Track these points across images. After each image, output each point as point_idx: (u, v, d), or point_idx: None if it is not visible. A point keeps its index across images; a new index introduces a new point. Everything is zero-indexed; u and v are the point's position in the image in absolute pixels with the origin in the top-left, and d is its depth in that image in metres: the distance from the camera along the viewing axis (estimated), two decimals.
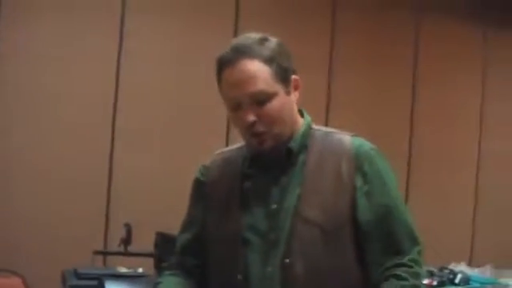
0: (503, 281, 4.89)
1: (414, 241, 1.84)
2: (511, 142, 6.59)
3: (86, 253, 3.88)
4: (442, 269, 4.61)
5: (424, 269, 2.02)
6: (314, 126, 1.91)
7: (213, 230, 1.89)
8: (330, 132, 1.91)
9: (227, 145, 5.07)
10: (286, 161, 1.84)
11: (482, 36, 6.45)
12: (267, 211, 1.81)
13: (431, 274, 4.43)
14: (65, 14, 4.71)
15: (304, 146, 1.85)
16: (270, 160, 1.85)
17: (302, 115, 1.91)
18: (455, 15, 6.28)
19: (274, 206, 1.80)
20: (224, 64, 1.78)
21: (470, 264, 5.71)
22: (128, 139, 4.80)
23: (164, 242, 3.48)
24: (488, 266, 5.37)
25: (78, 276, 3.40)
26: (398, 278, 1.76)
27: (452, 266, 4.99)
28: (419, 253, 1.82)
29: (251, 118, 1.75)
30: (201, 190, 1.96)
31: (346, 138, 1.87)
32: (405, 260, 1.78)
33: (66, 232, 4.52)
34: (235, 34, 5.05)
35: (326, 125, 5.02)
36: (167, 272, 1.98)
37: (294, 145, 1.84)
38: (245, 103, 1.76)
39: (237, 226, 1.82)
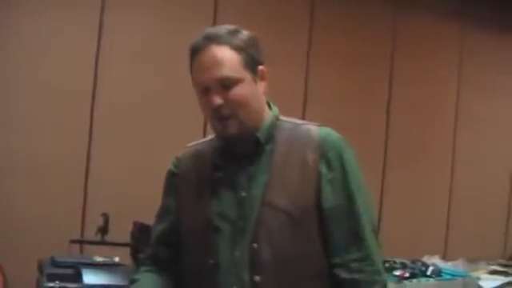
0: (474, 274, 4.98)
1: (374, 230, 1.89)
2: (486, 139, 6.68)
3: (63, 242, 3.90)
4: (414, 261, 4.69)
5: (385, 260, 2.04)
6: (282, 118, 1.97)
7: (185, 219, 1.94)
8: (298, 123, 1.96)
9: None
10: (253, 150, 1.88)
11: (459, 32, 6.51)
12: (236, 199, 1.86)
13: (404, 266, 4.51)
14: (43, 8, 4.68)
15: (271, 137, 1.90)
16: (238, 150, 1.90)
17: (269, 107, 1.97)
18: (433, 11, 6.33)
19: (243, 194, 1.85)
20: (194, 50, 1.85)
21: (444, 258, 5.79)
22: (106, 131, 4.79)
23: (140, 231, 3.50)
24: (460, 260, 5.47)
25: (55, 264, 3.40)
26: (361, 279, 1.82)
27: (425, 259, 5.07)
28: (378, 244, 1.88)
29: (217, 100, 1.80)
30: (173, 181, 2.02)
31: (313, 128, 1.92)
32: (366, 253, 1.83)
33: (43, 221, 4.52)
34: None
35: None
36: (143, 268, 2.02)
37: (261, 135, 1.89)
38: (212, 87, 1.81)
39: (208, 214, 1.87)
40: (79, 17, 4.76)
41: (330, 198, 1.84)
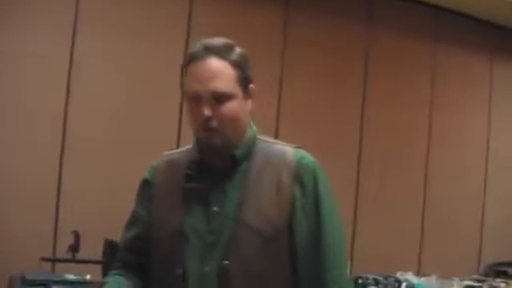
0: None
1: (344, 259, 1.92)
2: (458, 153, 6.74)
3: (35, 260, 3.86)
4: (387, 277, 4.69)
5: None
6: (260, 137, 1.98)
7: (156, 228, 1.94)
8: (274, 143, 1.98)
9: None
10: (229, 167, 1.89)
11: (431, 52, 6.59)
12: (207, 213, 1.86)
13: (377, 283, 4.52)
14: (16, 27, 4.66)
15: (248, 155, 1.91)
16: (214, 164, 1.90)
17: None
18: (407, 31, 6.40)
19: (215, 209, 1.86)
20: (194, 58, 1.86)
21: (417, 273, 5.81)
22: (78, 147, 4.76)
23: (112, 249, 3.48)
24: (433, 276, 5.49)
25: (25, 282, 3.38)
26: None
27: (399, 275, 5.08)
28: (346, 274, 1.92)
29: (208, 112, 1.82)
30: (147, 189, 2.02)
31: (289, 150, 1.94)
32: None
33: (14, 239, 4.47)
34: (186, 47, 5.06)
35: (276, 137, 5.02)
36: (113, 272, 2.02)
37: (238, 153, 1.89)
38: (204, 98, 1.82)
39: (178, 224, 1.87)
40: (51, 36, 4.74)
41: (302, 223, 1.86)
